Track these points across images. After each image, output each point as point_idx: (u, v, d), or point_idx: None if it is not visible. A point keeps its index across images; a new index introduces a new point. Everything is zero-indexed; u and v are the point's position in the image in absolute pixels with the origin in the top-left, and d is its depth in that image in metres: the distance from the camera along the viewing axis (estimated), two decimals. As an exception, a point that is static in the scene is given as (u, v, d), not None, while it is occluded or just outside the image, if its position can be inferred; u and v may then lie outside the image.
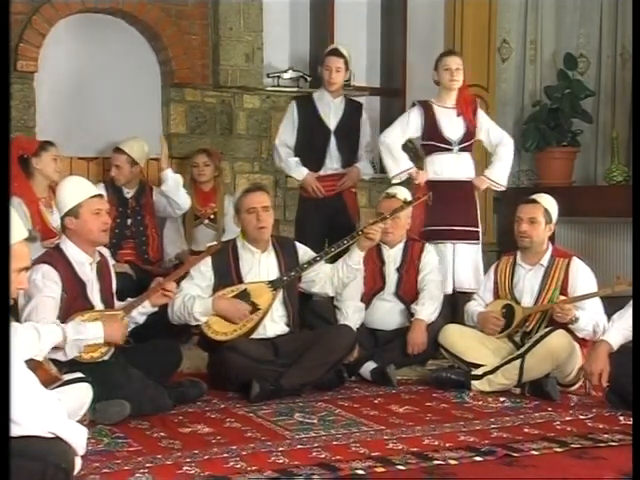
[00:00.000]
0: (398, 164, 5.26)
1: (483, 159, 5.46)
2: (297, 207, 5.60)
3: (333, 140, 5.38)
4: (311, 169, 5.34)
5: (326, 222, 5.32)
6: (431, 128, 5.25)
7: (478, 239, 5.29)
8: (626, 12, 6.74)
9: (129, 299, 3.99)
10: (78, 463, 2.50)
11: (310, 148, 5.39)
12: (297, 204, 5.60)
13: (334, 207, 5.35)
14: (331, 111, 5.41)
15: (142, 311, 3.93)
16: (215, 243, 4.32)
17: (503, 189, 5.45)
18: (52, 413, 2.30)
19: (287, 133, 5.43)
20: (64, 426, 2.35)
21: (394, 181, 5.28)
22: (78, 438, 2.41)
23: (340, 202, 5.39)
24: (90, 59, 5.81)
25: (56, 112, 5.62)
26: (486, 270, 4.90)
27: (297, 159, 5.37)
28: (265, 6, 6.20)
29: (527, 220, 4.43)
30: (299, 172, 5.36)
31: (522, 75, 7.16)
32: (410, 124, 5.29)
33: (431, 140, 5.26)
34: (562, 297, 4.31)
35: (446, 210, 5.11)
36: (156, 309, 3.98)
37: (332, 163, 5.39)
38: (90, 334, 3.60)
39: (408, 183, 5.33)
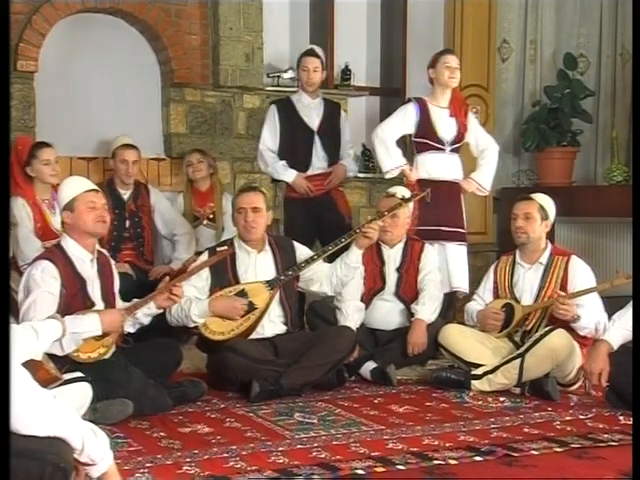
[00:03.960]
0: (392, 159, 5.22)
1: (470, 162, 5.44)
2: (284, 208, 5.59)
3: (317, 140, 5.40)
4: (299, 170, 5.36)
5: (316, 222, 5.33)
6: (426, 126, 5.22)
7: (465, 240, 5.30)
8: (626, 12, 6.75)
9: (135, 300, 3.97)
10: (105, 466, 2.43)
11: (295, 150, 5.40)
12: (283, 206, 5.60)
13: (323, 206, 5.37)
14: (312, 112, 5.43)
15: (147, 312, 3.93)
16: (225, 248, 4.33)
17: (486, 194, 5.49)
18: (51, 416, 2.29)
19: (270, 137, 5.43)
20: (65, 428, 2.33)
21: (387, 176, 5.30)
22: (82, 440, 2.38)
23: (329, 201, 5.41)
24: (90, 59, 5.81)
25: (56, 112, 5.62)
26: (485, 270, 4.90)
27: (284, 162, 5.38)
28: (265, 6, 6.20)
29: (522, 216, 4.44)
30: (288, 175, 5.36)
31: (522, 75, 7.17)
32: (407, 120, 5.23)
33: (425, 138, 5.22)
34: (561, 292, 4.30)
35: (436, 210, 5.10)
36: (161, 310, 3.98)
37: (319, 162, 5.41)
38: (87, 326, 3.60)
39: (400, 180, 5.36)
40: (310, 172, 5.38)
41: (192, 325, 4.25)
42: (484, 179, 5.33)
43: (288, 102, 5.48)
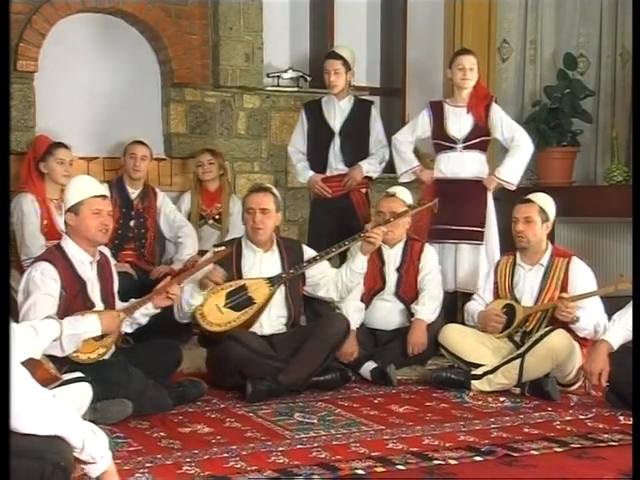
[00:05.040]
0: (404, 163, 5.36)
1: (497, 157, 5.45)
2: (309, 208, 5.69)
3: (337, 141, 5.40)
4: (317, 171, 5.40)
5: (336, 222, 5.33)
6: (438, 127, 5.30)
7: (481, 240, 5.23)
8: (626, 12, 6.74)
9: (132, 300, 3.99)
10: (105, 465, 2.42)
11: (315, 150, 5.46)
12: (309, 206, 5.70)
13: (342, 207, 5.38)
14: (336, 113, 5.44)
15: (145, 312, 3.94)
16: (223, 248, 4.33)
17: (514, 188, 5.30)
18: (50, 415, 2.29)
19: (298, 139, 5.53)
20: (64, 427, 2.33)
21: (402, 180, 5.34)
22: (82, 439, 2.37)
23: (347, 202, 5.40)
24: (90, 59, 5.81)
25: (56, 112, 5.61)
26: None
27: (305, 163, 5.47)
28: (265, 6, 6.19)
29: (523, 220, 4.44)
30: (304, 175, 5.47)
31: (522, 75, 7.16)
32: (418, 124, 5.38)
33: (437, 139, 5.32)
34: (564, 294, 4.29)
35: (449, 209, 5.11)
36: (159, 310, 3.99)
37: (337, 164, 5.41)
38: (87, 327, 3.61)
39: (417, 182, 5.42)
40: (328, 173, 5.40)
41: (187, 308, 4.25)
42: (507, 173, 5.23)
43: (317, 104, 5.54)
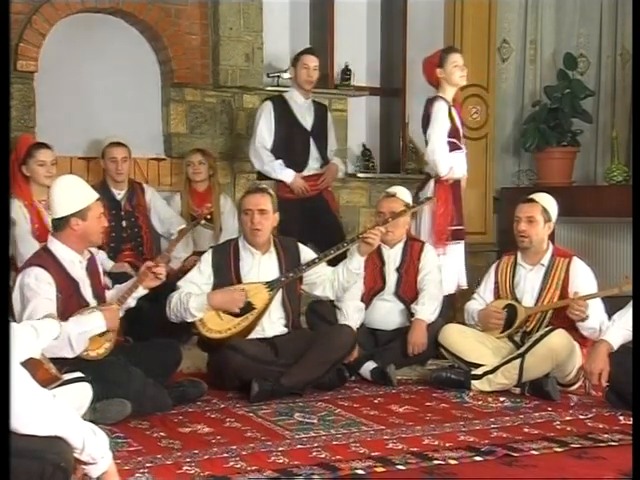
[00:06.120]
0: (448, 162, 5.11)
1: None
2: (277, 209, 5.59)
3: (312, 140, 5.43)
4: (295, 170, 5.39)
5: (311, 222, 5.34)
6: (453, 125, 5.21)
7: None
8: (626, 12, 6.75)
9: (117, 286, 4.02)
10: (105, 465, 2.41)
11: (292, 150, 5.43)
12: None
13: (317, 206, 5.41)
14: (305, 112, 5.49)
15: (134, 295, 3.96)
16: (184, 226, 4.39)
17: None
18: (51, 415, 2.29)
19: (265, 134, 5.44)
20: (65, 427, 2.33)
21: (445, 177, 5.14)
22: (83, 439, 2.37)
23: (322, 201, 5.46)
24: (90, 59, 5.81)
25: (56, 112, 5.61)
26: (485, 270, 4.90)
27: (280, 161, 5.40)
28: (265, 6, 6.19)
29: (525, 219, 4.43)
30: (287, 174, 5.39)
31: (522, 75, 7.17)
32: (446, 121, 5.13)
33: (453, 137, 5.20)
34: (579, 293, 4.27)
35: (457, 209, 5.14)
36: (147, 291, 3.99)
37: (314, 163, 5.47)
38: (92, 324, 3.65)
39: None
40: (305, 172, 5.41)
41: (190, 319, 4.24)
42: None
43: (283, 100, 5.51)
